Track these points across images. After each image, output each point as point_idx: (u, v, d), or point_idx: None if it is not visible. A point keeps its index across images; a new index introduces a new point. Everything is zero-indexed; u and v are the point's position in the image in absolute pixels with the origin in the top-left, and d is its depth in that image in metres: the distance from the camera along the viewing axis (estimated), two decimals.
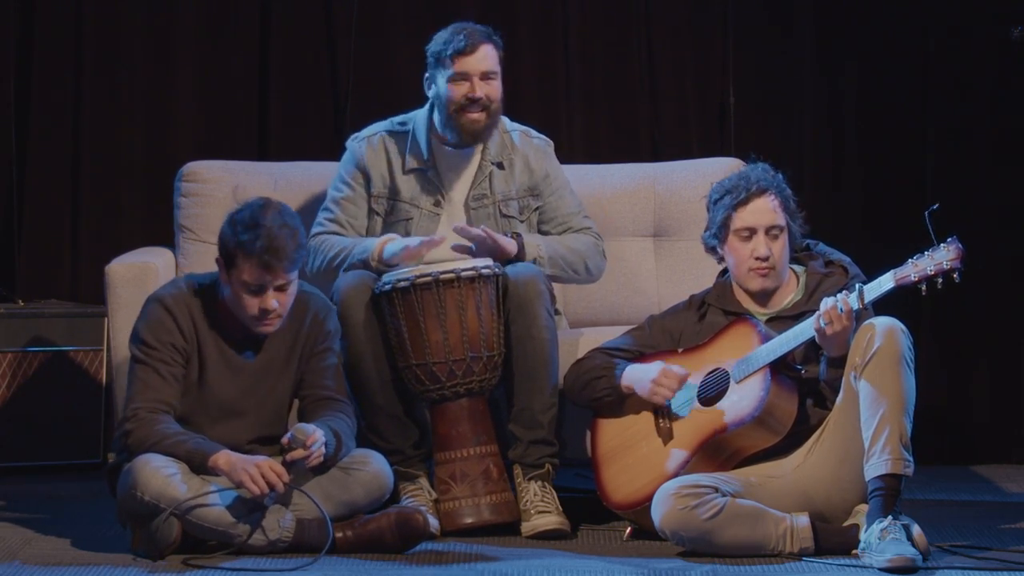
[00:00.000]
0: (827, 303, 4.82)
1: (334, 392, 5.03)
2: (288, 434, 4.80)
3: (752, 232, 5.03)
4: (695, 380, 5.06)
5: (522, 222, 5.54)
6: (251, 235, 4.81)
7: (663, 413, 5.10)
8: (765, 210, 5.03)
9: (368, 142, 5.54)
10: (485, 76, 5.38)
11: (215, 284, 4.95)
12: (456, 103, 5.38)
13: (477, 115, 5.40)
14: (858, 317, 4.86)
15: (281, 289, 4.84)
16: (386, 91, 6.52)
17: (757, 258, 5.03)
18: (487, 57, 5.38)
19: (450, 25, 5.45)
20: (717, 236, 5.09)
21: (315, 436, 4.78)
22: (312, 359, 5.02)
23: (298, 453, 4.77)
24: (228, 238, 4.85)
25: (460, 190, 5.51)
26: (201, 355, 4.92)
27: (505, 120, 5.57)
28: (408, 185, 5.49)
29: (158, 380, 4.88)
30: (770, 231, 5.03)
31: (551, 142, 5.67)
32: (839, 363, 4.88)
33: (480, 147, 5.50)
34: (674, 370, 5.03)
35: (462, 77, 5.37)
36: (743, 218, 5.03)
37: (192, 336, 4.91)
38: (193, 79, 6.65)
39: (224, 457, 4.76)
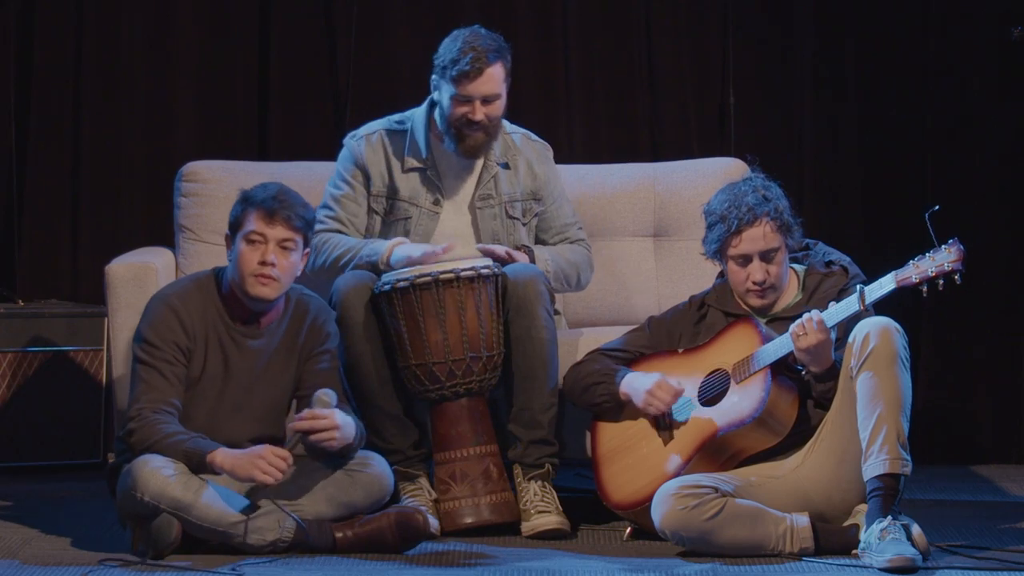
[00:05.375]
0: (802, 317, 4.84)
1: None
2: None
3: (747, 259, 5.03)
4: (696, 381, 5.06)
5: (524, 224, 5.54)
6: (262, 189, 4.97)
7: (664, 414, 5.09)
8: (758, 237, 5.02)
9: (367, 140, 5.53)
10: (487, 100, 5.35)
11: (218, 276, 5.00)
12: (456, 120, 5.37)
13: (478, 134, 5.38)
14: (859, 318, 4.86)
15: (284, 248, 4.89)
16: (386, 91, 6.52)
17: (754, 282, 5.04)
18: (491, 80, 5.33)
19: (461, 33, 5.37)
20: (715, 255, 5.09)
21: (332, 416, 4.81)
22: (310, 360, 5.03)
23: (303, 424, 4.78)
24: (238, 203, 4.98)
25: (464, 190, 5.50)
26: (205, 348, 4.94)
27: (505, 122, 5.56)
28: (407, 184, 5.48)
29: (161, 380, 4.89)
30: (765, 255, 5.03)
31: (550, 147, 5.66)
32: (823, 378, 4.88)
33: None
34: (670, 383, 5.03)
35: (465, 100, 5.34)
36: (737, 247, 5.02)
37: (194, 332, 4.93)
38: (193, 79, 6.66)
39: (221, 455, 4.76)
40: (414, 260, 5.23)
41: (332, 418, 4.82)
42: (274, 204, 4.91)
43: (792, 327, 4.85)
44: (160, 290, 5.04)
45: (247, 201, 4.96)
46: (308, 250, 5.01)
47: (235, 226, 4.96)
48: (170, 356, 4.90)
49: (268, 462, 4.72)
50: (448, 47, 5.37)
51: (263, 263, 4.89)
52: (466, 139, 5.38)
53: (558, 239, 5.58)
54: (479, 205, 5.49)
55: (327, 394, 4.85)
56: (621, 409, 5.16)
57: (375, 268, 5.31)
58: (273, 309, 5.00)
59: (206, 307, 4.96)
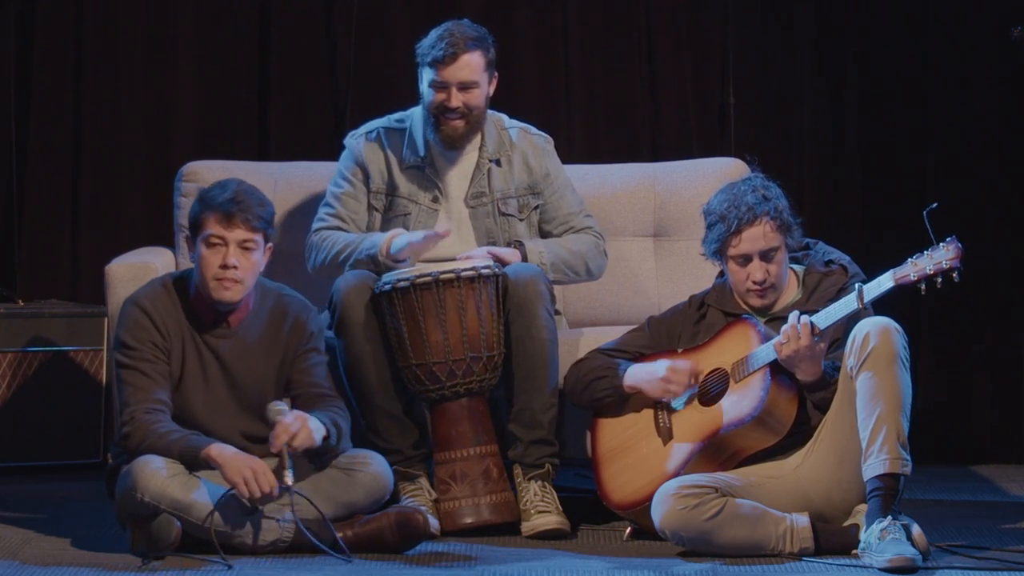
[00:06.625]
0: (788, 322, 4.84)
1: (326, 389, 5.04)
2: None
3: (747, 259, 5.03)
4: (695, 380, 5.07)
5: (521, 220, 5.54)
6: (217, 190, 4.93)
7: (663, 413, 5.10)
8: (758, 237, 5.02)
9: (366, 138, 5.55)
10: (463, 86, 5.38)
11: (184, 278, 4.99)
12: (434, 107, 5.40)
13: (456, 122, 5.40)
14: (857, 317, 4.87)
15: (244, 248, 4.88)
16: (386, 91, 6.52)
17: (754, 282, 5.04)
18: (467, 67, 5.36)
19: (445, 24, 5.43)
20: (715, 255, 5.09)
21: (287, 419, 4.79)
22: (297, 360, 5.03)
23: (282, 441, 4.75)
24: (195, 204, 4.94)
25: (458, 187, 5.51)
26: (182, 349, 4.94)
27: (503, 117, 5.58)
28: (406, 181, 5.50)
29: (146, 380, 4.88)
30: (765, 255, 5.03)
31: (551, 139, 5.66)
32: (813, 388, 4.88)
33: (477, 144, 5.50)
34: (680, 366, 5.02)
35: (440, 85, 5.37)
36: (737, 247, 5.02)
37: (167, 332, 4.93)
38: (193, 79, 6.66)
39: (216, 450, 4.75)
40: (416, 245, 5.24)
41: (294, 420, 4.79)
42: (231, 207, 4.87)
43: (784, 328, 4.84)
44: (130, 295, 5.03)
45: (204, 203, 4.91)
46: (271, 245, 4.98)
47: (194, 228, 4.92)
48: (149, 355, 4.90)
49: (256, 479, 4.70)
50: (428, 37, 5.43)
51: (224, 266, 4.87)
52: (444, 127, 5.40)
53: (562, 229, 5.58)
54: (472, 203, 5.50)
55: (276, 406, 4.84)
56: (623, 404, 5.16)
57: (375, 261, 5.31)
58: (241, 308, 4.98)
59: (175, 309, 4.96)
